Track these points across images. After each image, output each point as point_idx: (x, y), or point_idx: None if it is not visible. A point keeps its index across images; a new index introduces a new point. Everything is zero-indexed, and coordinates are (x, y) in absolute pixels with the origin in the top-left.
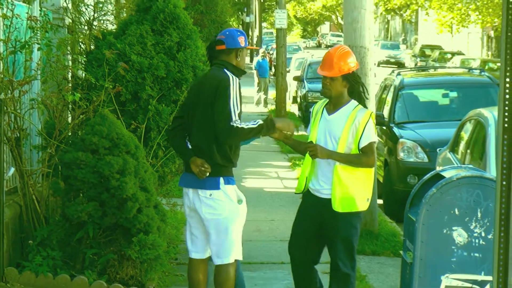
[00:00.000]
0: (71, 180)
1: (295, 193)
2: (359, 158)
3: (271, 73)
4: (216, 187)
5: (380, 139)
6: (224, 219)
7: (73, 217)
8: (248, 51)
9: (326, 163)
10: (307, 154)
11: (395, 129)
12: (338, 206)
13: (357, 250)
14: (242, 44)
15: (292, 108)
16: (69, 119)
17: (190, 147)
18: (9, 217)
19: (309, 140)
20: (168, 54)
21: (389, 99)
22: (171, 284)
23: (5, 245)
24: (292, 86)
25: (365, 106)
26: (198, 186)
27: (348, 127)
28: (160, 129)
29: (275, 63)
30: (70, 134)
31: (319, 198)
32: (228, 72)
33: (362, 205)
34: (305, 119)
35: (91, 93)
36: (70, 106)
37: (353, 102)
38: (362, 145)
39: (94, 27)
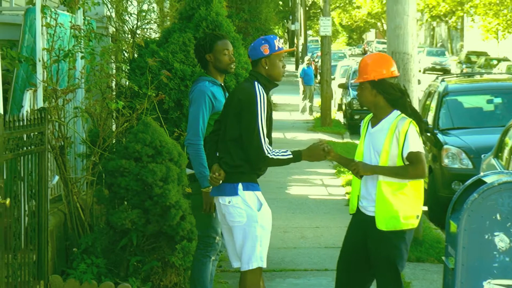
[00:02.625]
0: (115, 188)
1: (350, 214)
2: (405, 169)
3: (317, 80)
4: (235, 193)
5: (425, 146)
6: (244, 225)
7: (117, 225)
8: (292, 59)
9: (371, 179)
10: None
11: (440, 136)
12: (381, 224)
13: None
14: (266, 52)
15: (338, 115)
16: (113, 127)
17: (218, 154)
18: (54, 225)
19: (356, 156)
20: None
21: (433, 105)
22: None
23: (50, 253)
24: (337, 94)
25: (414, 116)
26: (218, 194)
27: (389, 138)
28: None
29: (320, 71)
30: (114, 142)
31: (364, 215)
32: (257, 87)
33: (408, 223)
34: (350, 126)
35: (134, 101)
36: (114, 114)
37: (396, 112)
38: (405, 154)
39: (137, 35)
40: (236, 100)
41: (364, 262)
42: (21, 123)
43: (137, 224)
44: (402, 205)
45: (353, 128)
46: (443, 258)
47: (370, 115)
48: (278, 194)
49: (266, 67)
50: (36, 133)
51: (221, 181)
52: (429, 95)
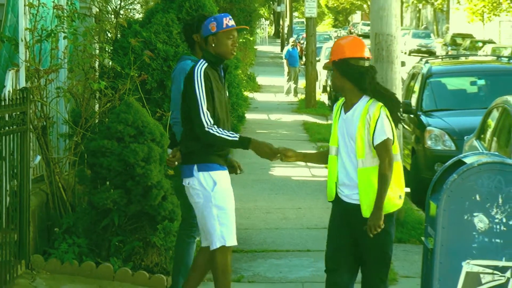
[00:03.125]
0: (97, 168)
1: (328, 201)
2: (384, 176)
3: (302, 62)
4: (190, 174)
5: (408, 127)
6: (202, 205)
7: (99, 205)
8: (278, 40)
9: (350, 164)
10: (330, 156)
11: (423, 117)
12: (367, 212)
13: None
14: (213, 30)
15: (322, 97)
16: (96, 108)
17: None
18: (36, 205)
19: (330, 142)
20: None
21: (417, 87)
22: None
23: (32, 233)
24: (322, 75)
25: (383, 95)
26: (181, 176)
27: (362, 125)
28: None
29: (305, 53)
30: (96, 122)
31: (347, 204)
32: (198, 65)
33: (394, 205)
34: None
35: (117, 81)
36: (96, 94)
37: (366, 97)
38: (375, 143)
39: (120, 16)
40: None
41: (353, 255)
42: (3, 103)
43: (119, 204)
44: (382, 198)
45: None
46: (423, 238)
47: (342, 99)
48: (261, 175)
49: (213, 45)
50: (18, 113)
51: (176, 163)
52: (413, 76)
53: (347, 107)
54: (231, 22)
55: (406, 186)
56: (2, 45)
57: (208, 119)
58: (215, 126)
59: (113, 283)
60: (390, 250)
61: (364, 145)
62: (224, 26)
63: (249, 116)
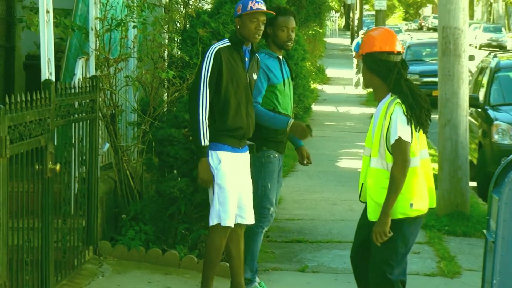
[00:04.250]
0: (164, 157)
1: (360, 201)
2: (391, 178)
3: None
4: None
5: (475, 122)
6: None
7: (166, 193)
8: (348, 33)
9: (365, 163)
10: (364, 157)
11: (490, 112)
12: (371, 215)
13: (448, 231)
14: (239, 12)
15: None
16: (164, 97)
17: None
18: (104, 192)
19: (365, 143)
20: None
21: (485, 81)
22: (262, 260)
23: (99, 219)
24: None
25: (408, 97)
26: None
27: (380, 121)
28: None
29: None
30: (164, 111)
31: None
32: (215, 45)
33: (402, 211)
34: None
35: (185, 71)
36: (165, 84)
37: (390, 95)
38: (390, 142)
39: (189, 6)
40: None
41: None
42: (73, 91)
43: (185, 193)
44: (389, 204)
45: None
46: (484, 231)
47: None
48: (328, 167)
49: (238, 26)
50: (87, 100)
51: (191, 138)
52: (481, 71)
53: (377, 105)
54: (257, 6)
55: (473, 180)
56: (73, 34)
57: (205, 98)
58: (207, 113)
59: (179, 270)
60: (393, 260)
61: (379, 144)
62: (248, 8)
63: (317, 108)
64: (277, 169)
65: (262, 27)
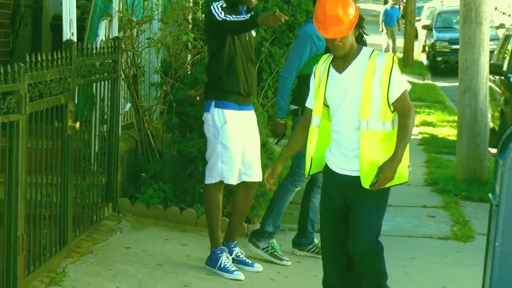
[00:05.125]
0: (184, 117)
1: (305, 177)
2: (405, 129)
3: (403, 21)
4: (207, 109)
5: (498, 89)
6: (211, 141)
7: (184, 152)
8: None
9: (348, 129)
10: (311, 127)
11: None
12: (366, 181)
13: (465, 196)
14: None
15: (421, 57)
16: (188, 59)
17: None
18: (125, 150)
19: (315, 111)
20: None
21: (509, 49)
22: (283, 222)
23: (119, 177)
24: (421, 35)
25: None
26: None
27: (369, 80)
28: (272, 71)
29: (403, 13)
30: (188, 72)
31: (344, 176)
32: (216, 3)
33: (403, 176)
34: (432, 68)
35: None
36: (189, 46)
37: (366, 49)
38: (393, 98)
39: None
40: None
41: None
42: (94, 51)
43: (204, 153)
44: (403, 150)
45: (435, 70)
46: (489, 195)
47: (324, 57)
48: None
49: None
50: (109, 61)
51: (198, 98)
52: (506, 39)
53: (341, 66)
54: None
55: (493, 147)
56: None
57: (219, 12)
58: (228, 15)
59: (196, 228)
60: (380, 224)
61: (370, 105)
62: None
63: None
64: None
65: None
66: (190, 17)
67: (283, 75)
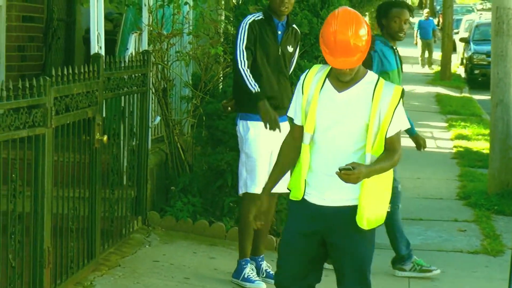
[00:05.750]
0: (213, 130)
1: (291, 200)
2: (390, 159)
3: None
4: (236, 121)
5: None
6: (241, 152)
7: (213, 166)
8: (421, 11)
9: (347, 158)
10: (304, 146)
11: None
12: (364, 222)
13: (497, 210)
14: None
15: (459, 70)
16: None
17: None
18: (154, 163)
19: (307, 128)
20: (312, 11)
21: None
22: None
23: (149, 190)
24: (459, 48)
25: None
26: None
27: (375, 109)
28: None
29: (441, 26)
30: (220, 86)
31: (325, 207)
32: (248, 16)
33: (382, 218)
34: (469, 81)
35: None
36: (219, 59)
37: (372, 74)
38: (391, 133)
39: None
40: None
41: (317, 267)
42: (123, 65)
43: (233, 166)
44: (386, 193)
45: (473, 83)
46: None
47: (316, 68)
48: None
49: (268, 0)
50: (138, 74)
51: (229, 109)
52: None
53: (343, 84)
54: None
55: None
56: (128, 9)
57: (243, 59)
58: (248, 69)
59: (225, 241)
60: (370, 264)
61: (372, 137)
62: None
63: None
64: None
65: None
66: (221, 30)
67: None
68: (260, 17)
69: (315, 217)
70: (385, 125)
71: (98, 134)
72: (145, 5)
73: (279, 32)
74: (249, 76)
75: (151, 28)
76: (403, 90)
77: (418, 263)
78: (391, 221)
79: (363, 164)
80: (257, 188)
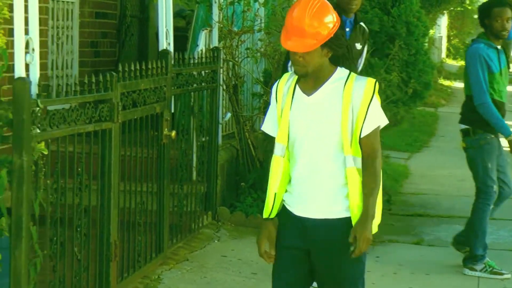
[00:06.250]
0: None
1: (264, 218)
2: (375, 176)
3: None
4: None
5: None
6: None
7: None
8: None
9: (327, 165)
10: (275, 157)
11: None
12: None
13: None
14: None
15: None
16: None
17: None
18: (225, 159)
19: (279, 138)
20: (382, 9)
21: None
22: (380, 232)
23: (219, 186)
24: None
25: (355, 72)
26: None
27: (346, 106)
28: None
29: None
30: None
31: (310, 220)
32: None
33: (379, 222)
34: None
35: None
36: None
37: (342, 70)
38: (366, 131)
39: None
40: None
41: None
42: (192, 61)
43: None
44: (380, 202)
45: None
46: None
47: (286, 76)
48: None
49: None
50: (208, 71)
51: None
52: None
53: (310, 86)
54: None
55: None
56: (199, 6)
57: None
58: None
59: None
60: (363, 275)
61: (349, 137)
62: None
63: (458, 85)
64: (495, 149)
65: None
66: None
67: (480, 103)
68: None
69: (301, 231)
70: (359, 122)
71: (166, 129)
72: (215, 2)
73: (347, 30)
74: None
75: (222, 25)
76: (376, 82)
77: (489, 265)
78: (478, 219)
79: (358, 223)
80: None
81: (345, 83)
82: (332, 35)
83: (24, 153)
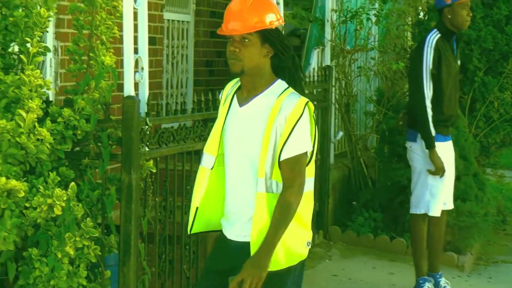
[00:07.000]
0: (394, 146)
1: (190, 233)
2: (285, 205)
3: None
4: (413, 139)
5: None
6: (419, 171)
7: (394, 181)
8: None
9: (244, 185)
10: (201, 168)
11: None
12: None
13: None
14: (448, 1)
15: None
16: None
17: None
18: (337, 178)
19: (208, 148)
20: (496, 27)
21: None
22: (493, 252)
23: (331, 205)
24: None
25: (302, 92)
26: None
27: (270, 124)
28: (485, 100)
29: None
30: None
31: (236, 243)
32: (429, 36)
33: (298, 255)
34: None
35: None
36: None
37: (281, 84)
38: (285, 155)
39: None
40: None
41: None
42: (305, 80)
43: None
44: (290, 230)
45: None
46: None
47: (233, 82)
48: None
49: (449, 16)
50: (320, 89)
51: (400, 123)
52: None
53: (244, 96)
54: None
55: None
56: (312, 25)
57: (428, 91)
58: (430, 104)
59: (405, 257)
60: None
61: (266, 159)
62: None
63: None
64: None
65: (471, 13)
66: (407, 45)
67: None
68: (438, 34)
69: (225, 252)
70: (281, 144)
71: None
72: (328, 21)
73: (454, 47)
74: (430, 116)
75: (334, 44)
76: (308, 102)
77: None
78: None
79: (253, 255)
80: (438, 211)
81: (277, 97)
82: (274, 28)
83: (133, 171)
